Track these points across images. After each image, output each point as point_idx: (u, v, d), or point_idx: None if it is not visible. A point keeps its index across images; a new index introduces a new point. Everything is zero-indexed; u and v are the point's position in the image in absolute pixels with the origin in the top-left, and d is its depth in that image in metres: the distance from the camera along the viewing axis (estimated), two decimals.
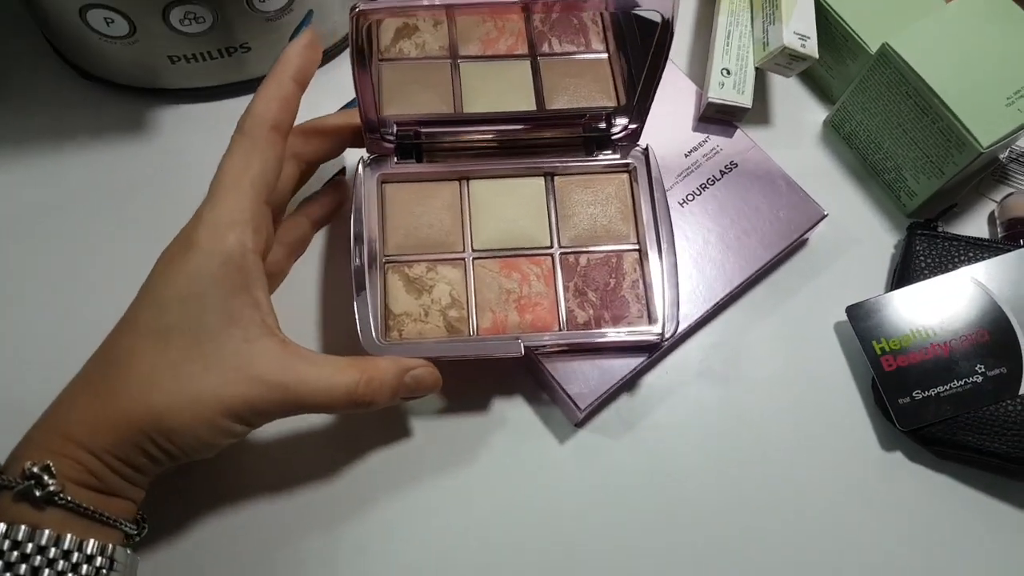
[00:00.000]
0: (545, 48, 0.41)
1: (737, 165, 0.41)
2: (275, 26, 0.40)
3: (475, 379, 0.37)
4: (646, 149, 0.39)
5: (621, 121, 0.39)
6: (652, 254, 0.37)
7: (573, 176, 0.39)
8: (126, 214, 0.41)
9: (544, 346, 0.35)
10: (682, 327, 0.37)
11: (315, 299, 0.39)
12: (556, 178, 0.39)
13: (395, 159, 0.38)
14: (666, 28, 0.32)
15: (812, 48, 0.40)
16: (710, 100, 0.40)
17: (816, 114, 0.45)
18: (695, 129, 0.42)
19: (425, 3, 0.31)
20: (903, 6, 0.41)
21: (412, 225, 0.38)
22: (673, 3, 0.31)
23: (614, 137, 0.39)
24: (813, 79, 0.46)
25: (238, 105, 0.42)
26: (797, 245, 0.41)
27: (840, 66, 0.43)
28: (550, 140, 0.39)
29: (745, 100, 0.41)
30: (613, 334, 0.35)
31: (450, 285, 0.36)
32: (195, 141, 0.42)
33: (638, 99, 0.37)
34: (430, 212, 0.38)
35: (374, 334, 0.34)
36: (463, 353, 0.34)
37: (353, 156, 0.38)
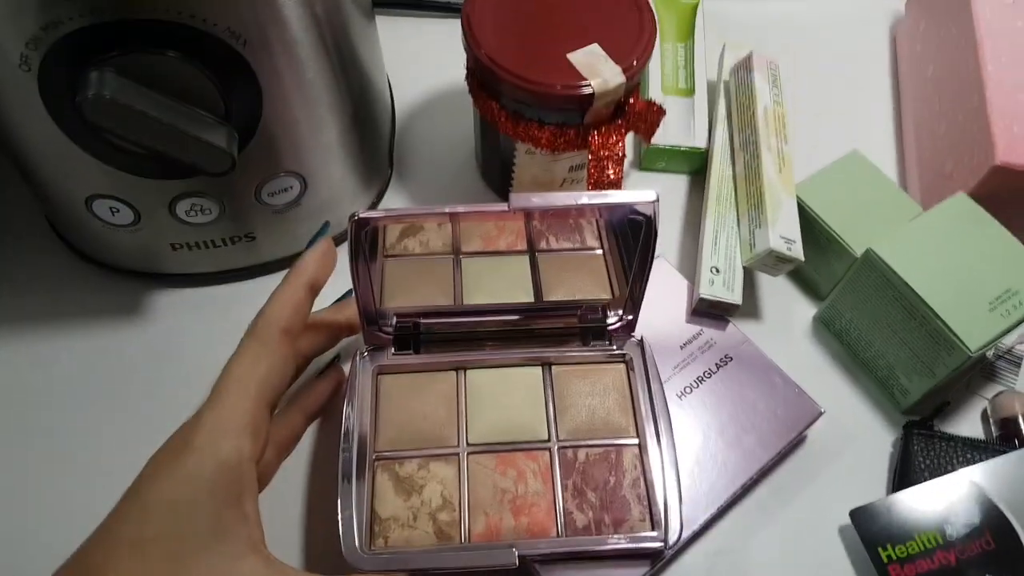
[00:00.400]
0: (543, 245, 0.42)
1: (732, 359, 0.41)
2: (282, 217, 0.42)
3: None
4: (641, 340, 0.39)
5: (616, 313, 0.40)
6: (652, 449, 0.36)
7: (571, 366, 0.39)
8: (118, 399, 0.40)
9: (541, 555, 0.34)
10: (686, 533, 0.35)
11: (299, 495, 0.38)
12: (554, 367, 0.39)
13: (392, 350, 0.38)
14: (650, 226, 0.34)
15: (798, 251, 0.42)
16: (701, 296, 0.42)
17: (806, 309, 0.46)
18: (688, 321, 0.43)
19: (419, 212, 0.33)
20: (883, 212, 0.44)
21: (406, 419, 0.37)
22: (655, 206, 0.33)
23: (610, 328, 0.40)
24: (801, 276, 0.48)
25: (239, 290, 0.44)
26: (796, 442, 0.40)
27: (825, 266, 0.45)
28: (548, 330, 0.40)
29: (735, 297, 0.42)
30: (614, 541, 0.34)
31: (442, 484, 0.35)
32: (193, 326, 0.43)
33: (631, 292, 0.38)
34: (425, 404, 0.38)
35: (357, 543, 0.33)
36: (453, 564, 0.33)
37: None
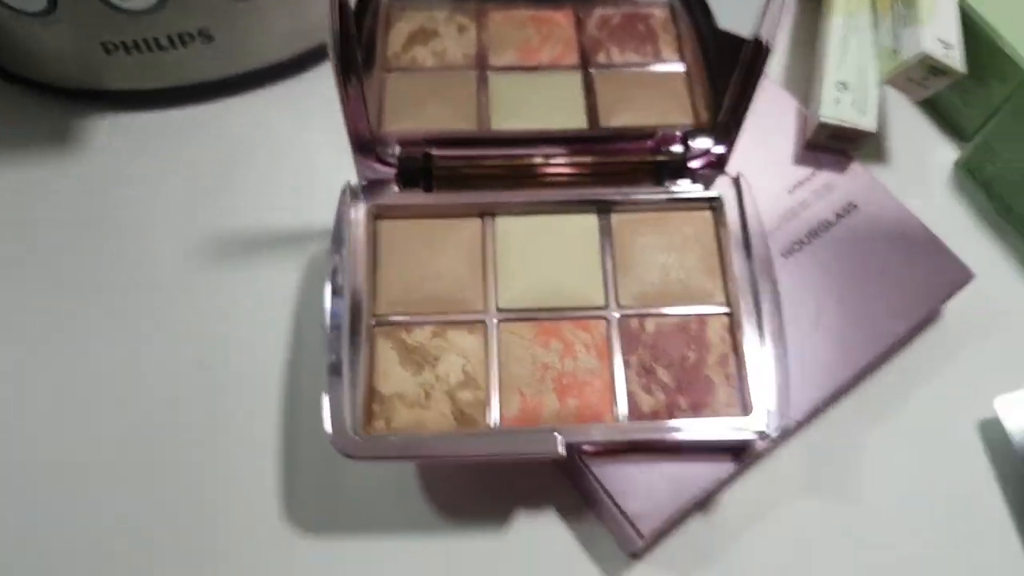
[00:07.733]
0: (601, 59, 0.35)
1: (857, 207, 0.34)
2: (246, 10, 0.35)
3: (495, 489, 0.30)
4: (737, 179, 0.32)
5: (702, 143, 0.32)
6: (748, 321, 0.29)
7: (637, 213, 0.32)
8: (45, 245, 0.35)
9: (593, 443, 0.28)
10: (787, 421, 0.29)
11: (280, 373, 0.33)
12: (614, 215, 0.32)
13: (395, 187, 0.32)
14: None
15: (956, 59, 0.33)
16: (822, 121, 0.34)
17: (944, 153, 0.39)
18: (798, 160, 0.35)
19: None
20: None
21: (415, 275, 0.31)
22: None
23: (694, 162, 0.32)
24: (938, 109, 0.40)
25: (197, 115, 0.37)
26: (930, 317, 0.34)
27: (980, 90, 0.37)
28: (607, 167, 0.33)
29: (868, 122, 0.34)
30: (693, 429, 0.28)
31: (463, 357, 0.29)
32: (140, 158, 0.37)
33: (727, 112, 0.30)
34: (440, 258, 0.31)
35: (349, 425, 0.27)
36: (478, 451, 0.27)
37: (334, 177, 0.32)
